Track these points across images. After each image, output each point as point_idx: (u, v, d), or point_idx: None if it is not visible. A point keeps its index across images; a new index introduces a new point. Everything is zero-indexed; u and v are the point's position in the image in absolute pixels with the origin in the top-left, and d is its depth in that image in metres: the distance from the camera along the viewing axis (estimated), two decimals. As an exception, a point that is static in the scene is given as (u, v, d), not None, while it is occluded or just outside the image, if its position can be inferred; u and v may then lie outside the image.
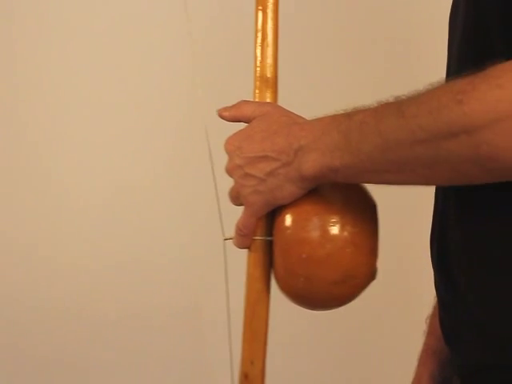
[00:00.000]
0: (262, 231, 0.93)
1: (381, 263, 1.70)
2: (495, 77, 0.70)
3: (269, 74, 0.97)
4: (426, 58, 1.67)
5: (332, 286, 0.87)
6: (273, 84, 0.97)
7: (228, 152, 0.92)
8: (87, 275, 1.69)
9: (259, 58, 0.97)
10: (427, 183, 0.79)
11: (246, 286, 0.94)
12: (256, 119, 0.92)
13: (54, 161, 1.68)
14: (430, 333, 1.14)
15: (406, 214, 1.71)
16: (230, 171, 0.92)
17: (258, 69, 0.97)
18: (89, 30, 1.67)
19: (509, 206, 0.80)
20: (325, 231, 0.87)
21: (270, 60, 0.97)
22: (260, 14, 0.97)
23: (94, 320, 1.70)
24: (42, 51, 1.67)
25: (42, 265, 1.68)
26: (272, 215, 0.92)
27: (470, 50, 0.85)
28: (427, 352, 1.14)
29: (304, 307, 0.92)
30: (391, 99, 0.80)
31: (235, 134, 0.93)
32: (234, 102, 0.96)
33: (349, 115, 0.83)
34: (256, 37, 0.97)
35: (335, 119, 0.84)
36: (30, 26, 1.66)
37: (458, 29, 0.89)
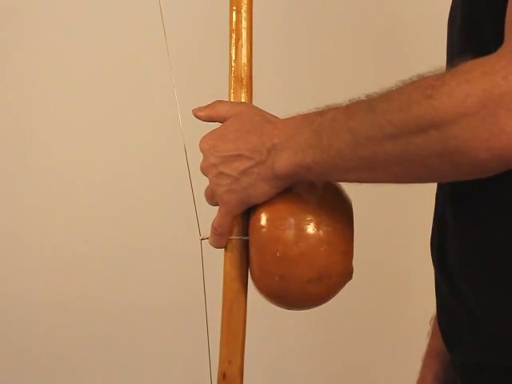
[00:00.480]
0: (238, 230, 0.93)
1: (384, 264, 1.71)
2: (464, 72, 0.70)
3: (243, 74, 0.97)
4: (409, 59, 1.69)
5: (307, 285, 0.87)
6: (247, 84, 0.97)
7: (203, 151, 0.93)
8: (87, 274, 1.69)
9: (233, 58, 0.97)
10: (399, 181, 0.79)
11: (222, 286, 0.94)
12: (230, 118, 0.92)
13: (43, 160, 1.69)
14: (434, 334, 1.14)
15: (408, 214, 1.72)
16: (204, 170, 0.93)
17: (233, 69, 0.97)
18: (75, 31, 1.68)
19: (507, 207, 0.80)
20: (299, 230, 0.87)
21: (244, 60, 0.97)
22: (234, 14, 0.98)
23: (90, 318, 1.70)
24: (35, 53, 1.67)
25: (38, 263, 1.69)
26: (248, 214, 0.92)
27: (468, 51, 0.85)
28: (431, 353, 1.14)
29: (280, 306, 0.92)
30: (363, 97, 0.81)
31: (210, 133, 0.93)
32: (210, 101, 0.97)
33: (321, 113, 0.83)
34: (230, 37, 0.98)
35: (307, 117, 0.85)
36: (28, 25, 1.67)
37: (455, 30, 0.89)
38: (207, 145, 0.92)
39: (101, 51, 1.68)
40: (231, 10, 0.98)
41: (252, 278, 0.92)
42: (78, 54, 1.68)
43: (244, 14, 0.97)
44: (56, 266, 1.69)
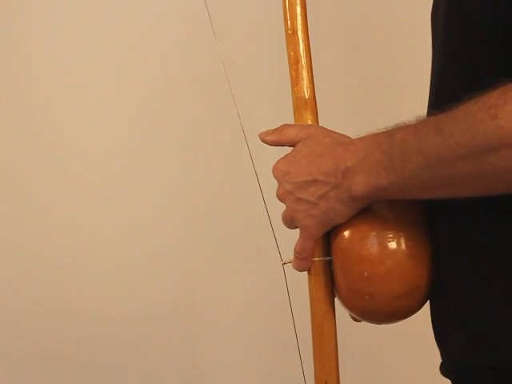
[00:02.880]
0: (320, 252, 0.94)
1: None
2: None
3: (307, 96, 0.97)
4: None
5: (397, 300, 0.88)
6: (311, 105, 0.97)
7: (276, 178, 0.93)
8: (86, 276, 1.71)
9: (295, 81, 0.98)
10: (477, 195, 0.79)
11: (310, 308, 0.95)
12: (300, 143, 0.93)
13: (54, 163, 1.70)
14: None
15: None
16: (281, 197, 0.93)
17: (295, 91, 0.97)
18: (97, 28, 1.69)
19: (491, 205, 0.81)
20: (383, 247, 0.87)
21: (306, 81, 0.97)
22: (290, 36, 0.98)
23: (91, 321, 1.71)
24: (45, 48, 1.68)
25: (37, 267, 1.70)
26: (328, 235, 0.93)
27: (452, 48, 0.86)
28: None
29: (370, 322, 0.93)
30: (430, 116, 0.81)
31: (282, 160, 0.94)
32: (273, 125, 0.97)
33: (390, 134, 0.84)
34: (289, 59, 0.98)
35: (377, 138, 0.85)
36: (32, 26, 1.67)
37: (439, 26, 0.89)
38: (281, 172, 0.92)
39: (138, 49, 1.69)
40: (287, 33, 0.98)
41: (340, 297, 0.93)
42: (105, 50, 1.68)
43: (301, 35, 0.97)
44: (57, 269, 1.69)
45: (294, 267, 0.95)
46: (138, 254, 1.71)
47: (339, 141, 0.91)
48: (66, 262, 1.70)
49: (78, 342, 1.71)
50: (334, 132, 0.94)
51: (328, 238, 0.93)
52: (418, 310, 0.91)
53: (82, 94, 1.67)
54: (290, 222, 0.94)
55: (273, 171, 0.94)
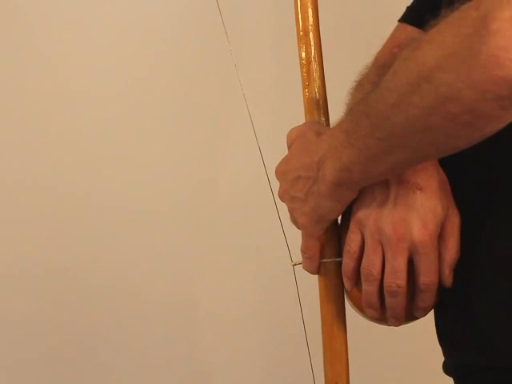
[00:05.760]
0: (330, 252, 0.93)
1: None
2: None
3: (318, 97, 0.97)
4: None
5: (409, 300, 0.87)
6: (323, 106, 0.97)
7: (278, 179, 0.94)
8: (84, 274, 1.71)
9: (306, 82, 0.98)
10: (424, 155, 0.77)
11: (320, 309, 0.94)
12: (294, 142, 0.93)
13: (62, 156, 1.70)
14: None
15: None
16: (281, 197, 0.93)
17: (306, 92, 0.97)
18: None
19: (492, 203, 0.81)
20: None
21: (317, 82, 0.97)
22: (302, 38, 0.98)
23: (90, 320, 1.71)
24: (47, 44, 1.69)
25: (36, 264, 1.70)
26: (339, 235, 0.93)
27: None
28: None
29: (381, 323, 0.93)
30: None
31: (281, 161, 0.94)
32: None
33: (349, 110, 0.83)
34: (301, 60, 0.98)
35: (341, 120, 0.84)
36: (34, 23, 1.68)
37: None
38: (279, 172, 0.93)
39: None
40: (298, 34, 0.98)
41: (350, 298, 0.92)
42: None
43: (312, 36, 0.97)
44: (58, 261, 1.70)
45: (304, 268, 0.94)
46: (137, 252, 1.71)
47: (321, 134, 0.89)
48: (66, 262, 1.70)
49: (76, 340, 1.71)
50: (324, 127, 0.94)
51: (339, 238, 0.93)
52: (431, 310, 0.91)
53: (84, 87, 1.68)
54: (294, 221, 0.93)
55: (275, 174, 0.94)
